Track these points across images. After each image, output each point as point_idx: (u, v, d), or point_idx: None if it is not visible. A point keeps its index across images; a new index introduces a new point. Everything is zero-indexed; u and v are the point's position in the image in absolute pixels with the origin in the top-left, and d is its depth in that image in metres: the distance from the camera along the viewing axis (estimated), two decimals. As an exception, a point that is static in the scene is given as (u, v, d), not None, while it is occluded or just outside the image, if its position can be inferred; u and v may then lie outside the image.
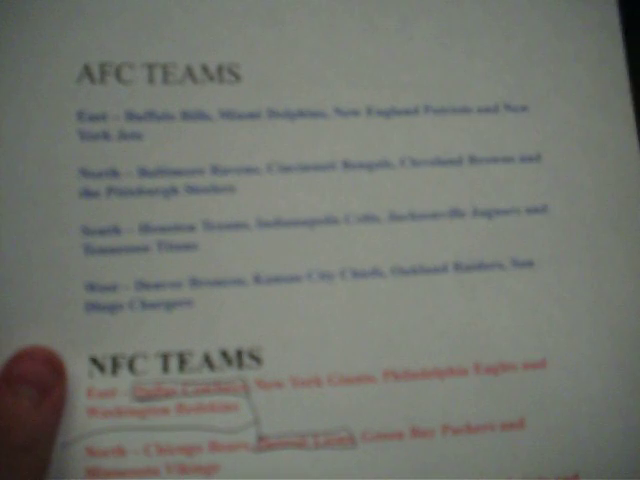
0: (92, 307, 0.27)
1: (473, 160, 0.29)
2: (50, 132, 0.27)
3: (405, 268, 0.28)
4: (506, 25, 0.30)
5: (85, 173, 0.27)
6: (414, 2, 0.29)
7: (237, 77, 0.28)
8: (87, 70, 0.28)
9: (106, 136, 0.27)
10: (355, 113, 0.28)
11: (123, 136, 0.28)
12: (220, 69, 0.28)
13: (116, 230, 0.27)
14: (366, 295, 0.28)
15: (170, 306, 0.27)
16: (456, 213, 0.28)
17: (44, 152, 0.27)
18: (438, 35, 0.29)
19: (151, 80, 0.28)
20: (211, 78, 0.28)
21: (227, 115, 0.28)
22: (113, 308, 0.27)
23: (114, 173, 0.27)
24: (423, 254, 0.28)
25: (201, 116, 0.28)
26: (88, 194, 0.27)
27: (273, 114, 0.28)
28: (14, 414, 0.25)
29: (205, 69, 0.28)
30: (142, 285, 0.27)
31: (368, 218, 0.28)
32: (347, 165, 0.28)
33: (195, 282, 0.27)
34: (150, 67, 0.28)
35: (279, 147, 0.28)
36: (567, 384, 0.28)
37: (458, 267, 0.28)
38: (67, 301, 0.27)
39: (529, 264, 0.29)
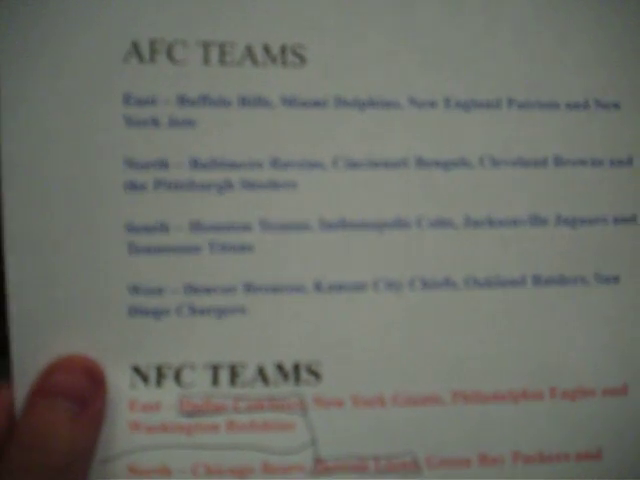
0: (136, 311, 0.25)
1: (559, 162, 0.26)
2: (92, 117, 0.24)
3: (480, 279, 0.26)
4: (599, 10, 0.26)
5: (131, 164, 0.24)
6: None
7: (302, 60, 0.25)
8: (135, 48, 0.24)
9: (155, 122, 0.24)
10: (432, 104, 0.25)
11: (174, 123, 0.25)
12: (283, 50, 0.25)
13: (164, 228, 0.25)
14: (436, 308, 0.25)
15: (222, 313, 0.25)
16: (537, 220, 0.26)
17: (85, 139, 0.24)
18: (526, 19, 0.26)
19: (206, 61, 0.25)
20: (273, 60, 0.25)
21: (290, 102, 0.25)
22: (159, 313, 0.25)
23: (163, 164, 0.25)
24: (500, 265, 0.26)
25: (261, 102, 0.25)
26: (133, 187, 0.24)
27: (341, 102, 0.25)
28: (50, 430, 0.23)
29: (267, 50, 0.25)
30: (191, 289, 0.25)
31: (442, 223, 0.25)
32: (421, 163, 0.25)
33: (250, 287, 0.25)
34: (206, 46, 0.25)
35: (346, 140, 0.25)
36: (650, 413, 0.26)
37: (537, 280, 0.26)
38: (108, 305, 0.24)
39: (614, 280, 0.26)
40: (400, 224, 0.25)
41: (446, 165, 0.26)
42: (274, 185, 0.25)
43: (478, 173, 0.26)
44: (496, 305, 0.26)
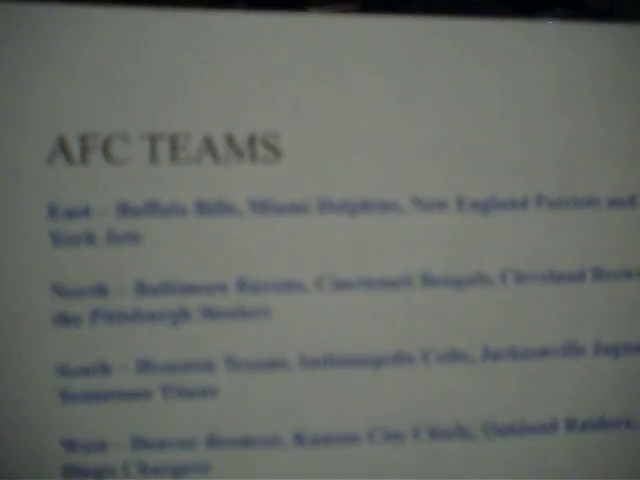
0: (72, 472, 0.20)
1: (599, 275, 0.21)
2: (11, 235, 0.19)
3: (500, 427, 0.20)
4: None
5: (60, 291, 0.19)
6: (528, 53, 0.20)
7: (276, 153, 0.20)
8: (62, 145, 0.19)
9: (90, 239, 0.19)
10: (441, 206, 0.20)
11: (114, 238, 0.19)
12: (252, 141, 0.20)
13: (104, 369, 0.20)
14: (448, 465, 0.20)
15: (180, 472, 0.20)
16: (572, 350, 0.21)
17: (3, 263, 0.19)
18: (555, 99, 0.21)
19: (154, 158, 0.19)
20: (239, 154, 0.20)
21: (261, 208, 0.20)
22: (101, 473, 0.20)
23: (101, 290, 0.19)
24: (525, 408, 0.20)
25: (224, 209, 0.20)
26: (65, 320, 0.19)
27: (326, 206, 0.20)
28: None
29: (230, 141, 0.20)
30: (141, 443, 0.20)
31: (454, 356, 0.20)
32: (428, 281, 0.20)
33: (214, 441, 0.20)
34: (152, 139, 0.19)
35: (333, 254, 0.20)
36: None
37: (571, 425, 0.20)
38: (39, 462, 0.20)
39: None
40: (401, 359, 0.20)
41: (460, 283, 0.20)
42: (242, 313, 0.20)
43: (499, 292, 0.20)
44: (522, 458, 0.21)
